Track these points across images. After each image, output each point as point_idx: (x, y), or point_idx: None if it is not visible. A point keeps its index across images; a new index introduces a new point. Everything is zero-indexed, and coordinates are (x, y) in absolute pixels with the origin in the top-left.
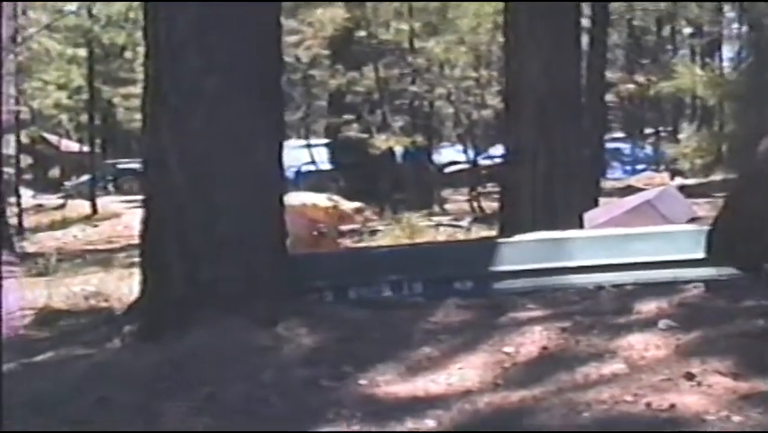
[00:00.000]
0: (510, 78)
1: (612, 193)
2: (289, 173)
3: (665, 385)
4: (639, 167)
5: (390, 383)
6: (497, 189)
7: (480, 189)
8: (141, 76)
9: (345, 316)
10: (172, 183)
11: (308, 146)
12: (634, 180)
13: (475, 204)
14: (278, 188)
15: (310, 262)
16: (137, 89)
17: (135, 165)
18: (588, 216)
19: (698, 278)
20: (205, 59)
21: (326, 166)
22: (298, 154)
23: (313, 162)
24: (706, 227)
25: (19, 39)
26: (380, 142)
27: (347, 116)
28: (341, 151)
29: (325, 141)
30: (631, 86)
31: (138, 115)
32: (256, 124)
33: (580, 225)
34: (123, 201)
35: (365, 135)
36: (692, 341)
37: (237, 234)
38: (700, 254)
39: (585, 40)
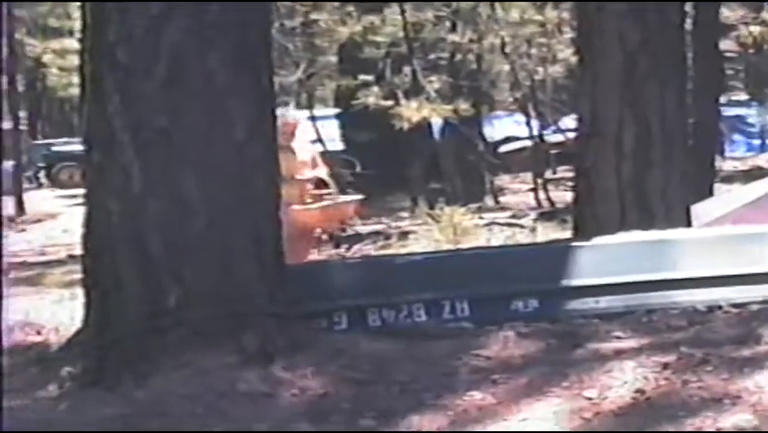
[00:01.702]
0: (586, 22)
1: (732, 178)
2: None
3: None
4: None
5: None
6: (570, 175)
7: (547, 175)
8: (78, 24)
9: (364, 349)
10: (124, 171)
11: (312, 119)
12: (763, 159)
13: (541, 195)
14: (268, 176)
15: (316, 275)
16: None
17: (75, 147)
18: (697, 211)
19: None
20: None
21: (337, 146)
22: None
23: (318, 141)
24: None
25: None
26: (410, 111)
27: (364, 77)
28: (356, 124)
29: (335, 111)
30: (756, 28)
31: (76, 79)
32: (235, 89)
33: (687, 224)
34: (59, 197)
35: (389, 103)
36: None
37: (215, 239)
38: None
39: None
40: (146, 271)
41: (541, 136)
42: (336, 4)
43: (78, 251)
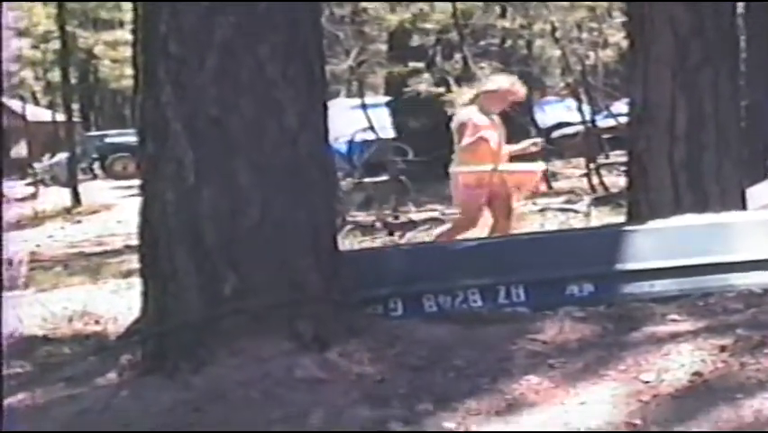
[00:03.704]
0: (637, 6)
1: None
2: (339, 144)
3: None
4: None
5: (484, 425)
6: (623, 160)
7: (600, 160)
8: (129, 16)
9: (420, 335)
10: (178, 161)
11: (363, 107)
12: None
13: (594, 180)
14: (321, 164)
15: (372, 261)
16: (125, 34)
17: (128, 138)
18: (752, 193)
19: None
20: None
21: (389, 133)
22: (350, 118)
23: (370, 129)
24: None
25: None
26: (462, 98)
27: (414, 64)
28: (407, 112)
29: (386, 99)
30: None
31: (129, 71)
32: (286, 79)
33: (742, 206)
34: (114, 188)
35: (440, 90)
36: None
37: (270, 227)
38: None
39: None
40: (202, 260)
41: (593, 121)
42: None
43: (135, 241)
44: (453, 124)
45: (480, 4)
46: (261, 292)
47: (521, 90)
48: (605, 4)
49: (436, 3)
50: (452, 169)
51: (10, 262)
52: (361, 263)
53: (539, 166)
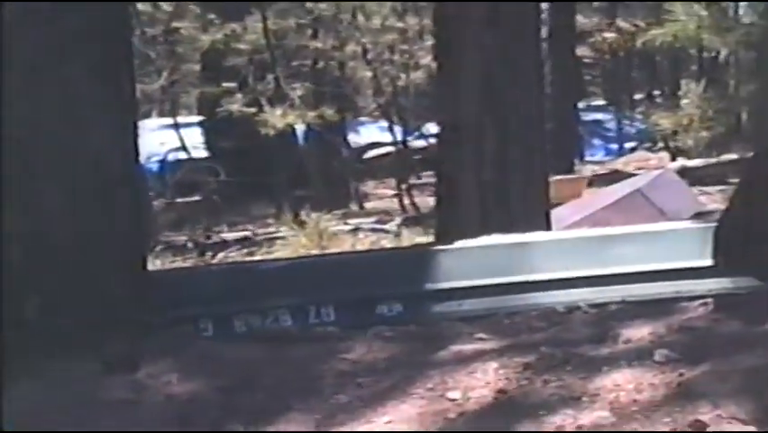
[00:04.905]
0: (444, 29)
1: (591, 181)
2: (151, 164)
3: None
4: (627, 145)
5: None
6: (434, 180)
7: (411, 181)
8: None
9: (230, 355)
10: None
11: (175, 126)
12: (620, 163)
13: (406, 200)
14: (131, 184)
15: (182, 281)
16: None
17: None
18: (557, 214)
19: (705, 292)
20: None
21: (201, 153)
22: (162, 138)
23: (183, 148)
24: (715, 224)
25: None
26: (275, 118)
27: (227, 84)
28: (220, 132)
29: (199, 118)
30: (611, 34)
31: None
32: (94, 95)
33: (547, 226)
34: None
35: (252, 110)
36: (700, 378)
37: (77, 248)
38: (708, 261)
39: None
40: (6, 282)
41: (404, 142)
42: (198, 11)
43: None
44: None
45: (292, 24)
46: (68, 313)
47: None
48: (416, 26)
49: (249, 23)
50: None
51: None
52: (171, 283)
53: None
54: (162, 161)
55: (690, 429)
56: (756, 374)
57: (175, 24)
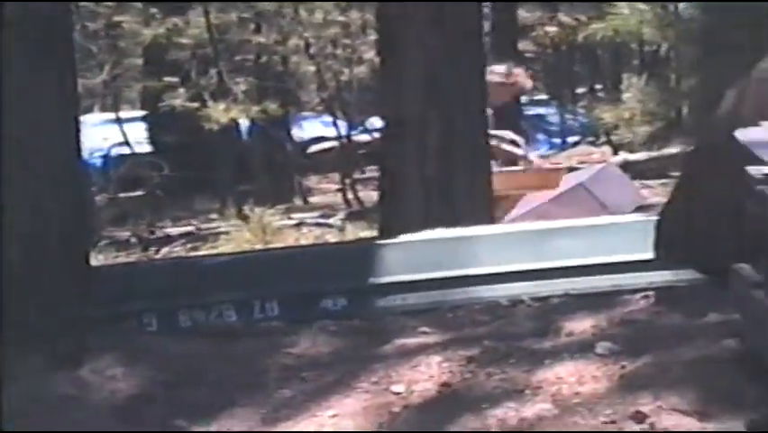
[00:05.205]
0: (387, 25)
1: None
2: (93, 159)
3: (607, 430)
4: (570, 139)
5: None
6: (378, 175)
7: (355, 175)
8: None
9: (175, 350)
10: None
11: (118, 121)
12: (563, 157)
13: (349, 195)
14: (74, 179)
15: (126, 276)
16: None
17: None
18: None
19: (646, 285)
20: None
21: (144, 148)
22: (104, 133)
23: (125, 143)
24: (656, 217)
25: None
26: (218, 113)
27: (169, 79)
28: (163, 126)
29: (142, 113)
30: (553, 29)
31: None
32: (36, 91)
33: (492, 220)
34: None
35: (195, 104)
36: (641, 370)
37: (19, 243)
38: (649, 254)
39: None
40: None
41: (348, 136)
42: (139, 5)
43: None
44: None
45: (235, 19)
46: (11, 310)
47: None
48: (359, 20)
49: (191, 18)
50: None
51: None
52: (115, 279)
53: None
54: (105, 157)
55: (630, 420)
56: (697, 366)
57: (117, 19)
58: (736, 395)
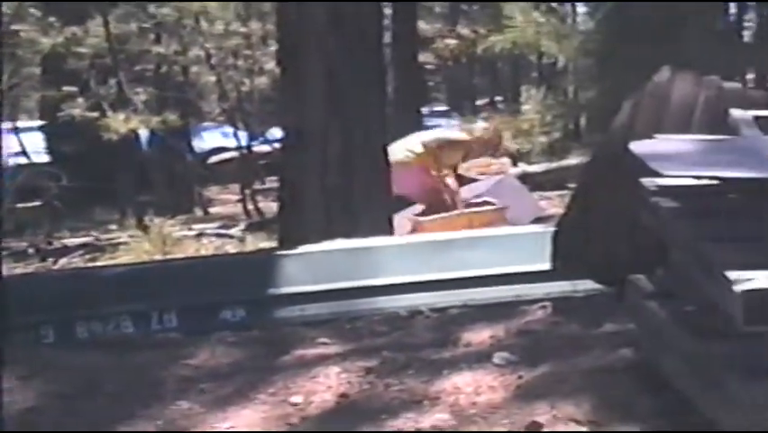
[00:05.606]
0: (287, 34)
1: None
2: None
3: None
4: None
5: None
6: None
7: (256, 186)
8: None
9: (71, 362)
10: None
11: (15, 131)
12: (463, 168)
13: (250, 205)
14: None
15: (23, 287)
16: None
17: None
18: (400, 219)
19: (543, 296)
20: None
21: (42, 158)
22: (2, 142)
23: (23, 153)
24: (553, 228)
25: None
26: (117, 123)
27: (68, 88)
28: (62, 136)
29: (40, 123)
30: (453, 41)
31: None
32: None
33: (390, 231)
34: None
35: (95, 114)
36: (538, 380)
37: None
38: (547, 265)
39: None
40: None
41: (249, 147)
42: (38, 14)
43: None
44: None
45: (135, 29)
46: None
47: None
48: (259, 31)
49: (90, 27)
50: None
51: None
52: (11, 290)
53: None
54: (2, 167)
55: (526, 431)
56: (593, 375)
57: (14, 27)
58: (631, 405)
